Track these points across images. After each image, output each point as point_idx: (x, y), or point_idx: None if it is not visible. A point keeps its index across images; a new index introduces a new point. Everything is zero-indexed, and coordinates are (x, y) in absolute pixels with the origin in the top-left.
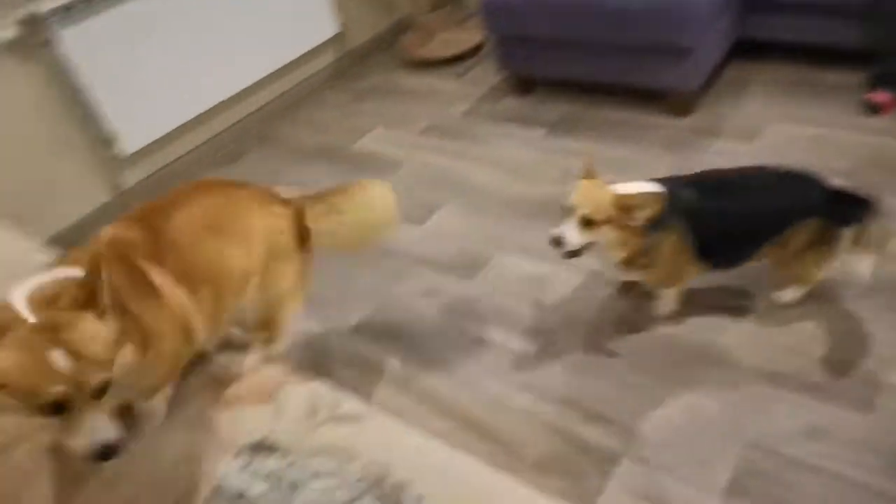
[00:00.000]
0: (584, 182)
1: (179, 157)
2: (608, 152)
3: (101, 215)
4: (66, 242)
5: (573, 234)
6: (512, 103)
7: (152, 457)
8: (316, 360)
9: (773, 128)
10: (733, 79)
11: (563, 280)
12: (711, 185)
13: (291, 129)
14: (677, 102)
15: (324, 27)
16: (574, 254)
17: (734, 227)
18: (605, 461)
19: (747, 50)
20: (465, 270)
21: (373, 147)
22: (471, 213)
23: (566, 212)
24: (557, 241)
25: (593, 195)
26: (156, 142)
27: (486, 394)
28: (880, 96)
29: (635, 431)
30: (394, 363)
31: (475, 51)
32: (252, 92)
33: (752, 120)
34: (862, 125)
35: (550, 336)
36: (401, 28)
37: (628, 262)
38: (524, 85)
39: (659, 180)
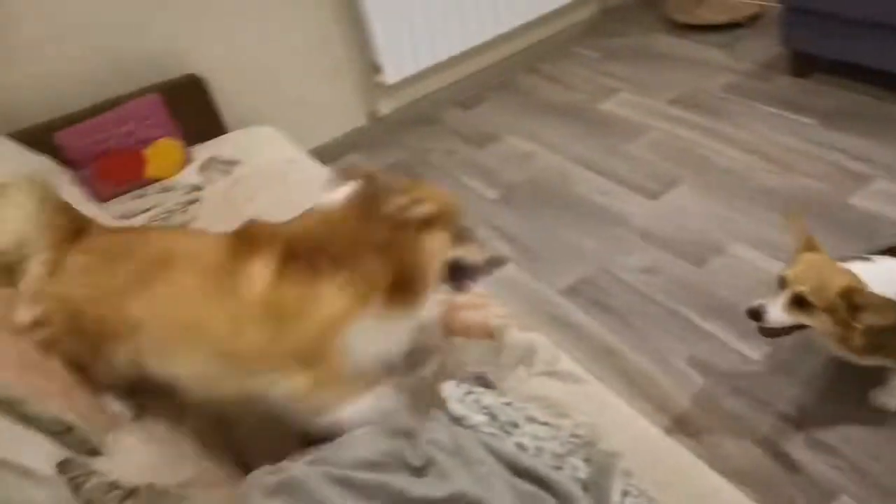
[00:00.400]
0: (808, 255)
1: (427, 95)
2: (892, 155)
3: (357, 138)
4: (322, 158)
5: (778, 312)
6: (783, 84)
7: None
8: (524, 313)
9: None
10: None
11: None
12: None
13: (535, 81)
14: None
15: None
16: (775, 333)
17: None
18: (822, 493)
19: None
20: (693, 254)
21: (616, 110)
22: (711, 196)
23: (779, 282)
24: (755, 314)
25: (816, 273)
26: (412, 76)
27: (696, 387)
28: None
29: (866, 472)
30: (601, 333)
31: (751, 20)
32: (505, 39)
33: None
34: None
35: (779, 345)
36: None
37: (857, 351)
38: (803, 66)
39: None
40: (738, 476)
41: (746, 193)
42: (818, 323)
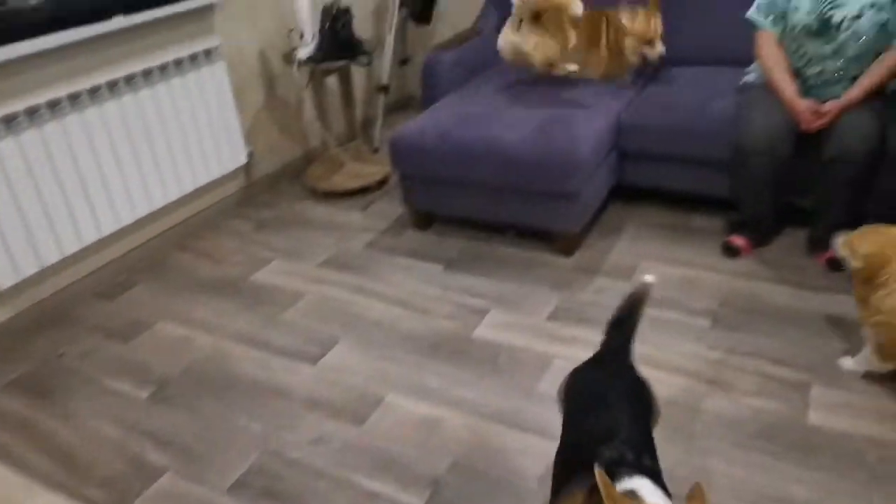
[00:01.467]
0: None
1: (60, 290)
2: (500, 288)
3: None
4: None
5: None
6: (413, 238)
7: None
8: None
9: (648, 267)
10: (612, 221)
11: (457, 424)
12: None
13: (187, 259)
14: (563, 242)
15: (233, 155)
16: None
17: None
18: None
19: (624, 194)
20: (357, 414)
21: (270, 279)
22: (366, 350)
23: None
24: None
25: None
26: (36, 275)
27: None
28: (738, 240)
29: None
30: None
31: (380, 184)
32: (148, 221)
33: (628, 259)
34: (724, 267)
35: (439, 487)
36: (309, 159)
37: None
38: (425, 220)
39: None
40: None
41: (395, 342)
42: None
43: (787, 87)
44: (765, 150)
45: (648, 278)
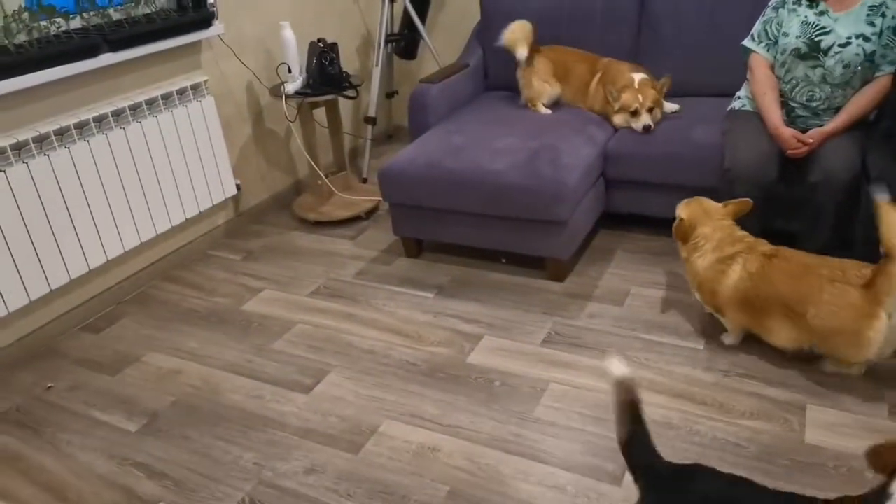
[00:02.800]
0: None
1: (43, 325)
2: (492, 314)
3: None
4: None
5: None
6: (403, 266)
7: None
8: None
9: (638, 291)
10: (601, 247)
11: (454, 452)
12: None
13: (176, 291)
14: (553, 269)
15: (221, 187)
16: None
17: None
18: None
19: (612, 220)
20: (351, 442)
21: (261, 309)
22: (359, 379)
23: None
24: None
25: None
26: (24, 307)
27: None
28: None
29: None
30: None
31: (369, 214)
32: (136, 253)
33: (619, 284)
34: None
35: None
36: (298, 189)
37: None
38: (415, 248)
39: None
40: None
41: (389, 370)
42: None
43: (774, 114)
44: (752, 174)
45: (616, 369)
